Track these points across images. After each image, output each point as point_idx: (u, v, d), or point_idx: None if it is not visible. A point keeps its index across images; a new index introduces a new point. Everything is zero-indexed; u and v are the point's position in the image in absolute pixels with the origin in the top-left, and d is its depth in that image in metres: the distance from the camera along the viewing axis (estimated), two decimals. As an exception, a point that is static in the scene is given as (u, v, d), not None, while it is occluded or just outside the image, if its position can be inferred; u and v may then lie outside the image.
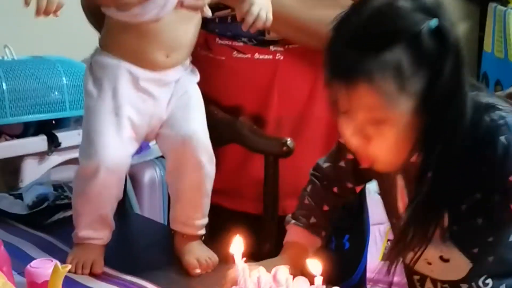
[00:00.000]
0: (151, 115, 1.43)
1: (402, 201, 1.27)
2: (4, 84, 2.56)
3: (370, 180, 1.41)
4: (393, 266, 1.23)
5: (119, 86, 1.40)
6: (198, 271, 1.43)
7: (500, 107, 1.16)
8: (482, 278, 1.25)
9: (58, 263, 0.99)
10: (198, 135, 1.41)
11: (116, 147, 1.39)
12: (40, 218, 1.68)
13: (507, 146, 1.12)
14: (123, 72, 1.40)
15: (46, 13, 1.20)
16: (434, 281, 1.29)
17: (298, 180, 1.51)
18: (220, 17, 1.58)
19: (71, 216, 1.66)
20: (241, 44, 1.58)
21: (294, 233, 1.40)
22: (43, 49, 2.78)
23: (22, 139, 2.65)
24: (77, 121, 2.75)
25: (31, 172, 2.58)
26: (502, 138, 1.12)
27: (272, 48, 1.58)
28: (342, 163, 1.40)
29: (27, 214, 1.72)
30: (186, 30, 1.43)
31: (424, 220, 1.17)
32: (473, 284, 1.25)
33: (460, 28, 1.15)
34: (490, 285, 1.25)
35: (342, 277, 1.65)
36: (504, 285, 1.25)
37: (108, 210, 1.45)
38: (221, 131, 1.56)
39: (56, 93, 2.65)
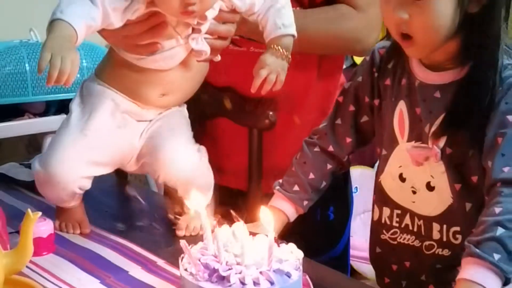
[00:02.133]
0: (122, 142, 1.44)
1: (400, 126, 1.35)
2: (27, 65, 2.70)
3: (367, 134, 1.46)
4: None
5: (98, 110, 1.41)
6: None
7: None
8: (455, 228, 1.30)
9: (30, 211, 1.10)
10: (175, 156, 1.42)
11: (72, 166, 1.40)
12: None
13: None
14: (107, 99, 1.42)
15: (57, 82, 1.17)
16: (412, 217, 1.35)
17: (285, 160, 1.57)
18: None
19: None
20: (237, 37, 1.59)
21: (277, 199, 1.47)
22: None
23: (44, 118, 2.78)
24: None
25: (52, 149, 2.70)
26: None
27: None
28: (338, 121, 1.46)
29: (32, 180, 1.83)
30: (189, 76, 1.44)
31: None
32: (444, 228, 1.31)
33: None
34: (459, 241, 1.30)
35: (326, 247, 1.73)
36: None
37: (70, 198, 1.48)
38: (208, 105, 1.64)
39: (76, 74, 2.76)
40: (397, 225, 1.38)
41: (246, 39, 1.61)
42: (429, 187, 1.31)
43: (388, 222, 1.39)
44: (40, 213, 1.11)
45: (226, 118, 1.66)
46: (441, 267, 1.33)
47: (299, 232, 1.48)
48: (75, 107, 1.44)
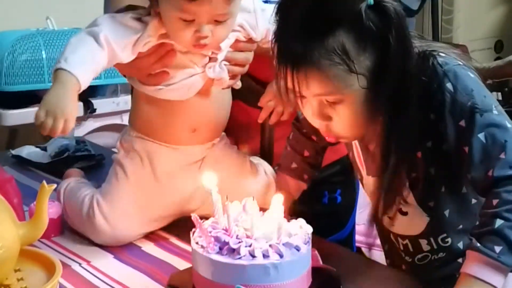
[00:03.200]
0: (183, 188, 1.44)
1: (358, 159, 1.35)
2: (44, 53, 2.73)
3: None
4: (372, 227, 1.31)
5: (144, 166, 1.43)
6: None
7: (441, 53, 1.20)
8: (442, 236, 1.29)
9: (45, 182, 1.12)
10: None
11: (137, 224, 1.42)
12: (60, 167, 1.80)
13: (453, 93, 1.16)
14: (144, 157, 1.43)
15: (52, 134, 1.18)
16: (395, 237, 1.35)
17: None
18: None
19: (88, 166, 1.83)
20: None
21: (278, 179, 1.50)
22: (83, 21, 2.92)
23: (60, 105, 2.81)
24: (113, 92, 2.90)
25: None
26: (448, 85, 1.16)
27: None
28: None
29: (48, 162, 1.87)
30: (215, 106, 1.45)
31: (388, 170, 1.22)
32: (431, 240, 1.29)
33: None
34: (450, 243, 1.29)
35: (333, 230, 1.75)
36: (461, 242, 1.28)
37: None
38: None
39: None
40: (389, 243, 1.38)
41: None
42: (402, 213, 1.29)
43: (382, 238, 1.41)
44: (55, 185, 1.14)
45: (240, 101, 1.66)
46: (439, 265, 1.32)
47: (306, 215, 1.50)
48: (123, 160, 1.44)
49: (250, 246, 1.13)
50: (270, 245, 1.13)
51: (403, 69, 1.15)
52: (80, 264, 1.32)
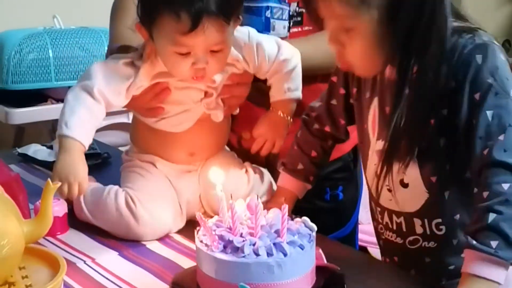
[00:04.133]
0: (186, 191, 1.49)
1: (373, 125, 1.33)
2: (50, 52, 2.74)
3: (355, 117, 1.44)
4: (381, 182, 1.28)
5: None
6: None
7: (481, 31, 1.21)
8: (437, 220, 1.28)
9: (50, 180, 1.13)
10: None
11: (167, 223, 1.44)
12: None
13: (479, 65, 1.16)
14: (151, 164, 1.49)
15: (70, 199, 1.32)
16: (390, 215, 1.34)
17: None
18: None
19: (94, 165, 1.83)
20: None
21: (283, 179, 1.50)
22: (89, 20, 2.94)
23: (66, 103, 2.82)
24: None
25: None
26: (478, 56, 1.16)
27: None
28: (334, 101, 1.45)
29: (54, 161, 1.86)
30: (212, 133, 1.50)
31: (407, 130, 1.22)
32: (426, 222, 1.29)
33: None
34: (443, 231, 1.28)
35: (335, 227, 1.75)
36: (457, 240, 1.28)
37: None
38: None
39: (99, 61, 2.80)
40: (381, 221, 1.37)
41: None
42: (403, 184, 1.28)
43: (376, 217, 1.39)
44: (59, 183, 1.14)
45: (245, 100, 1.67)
46: (429, 261, 1.32)
47: (308, 211, 1.51)
48: (137, 163, 1.50)
49: (254, 244, 1.13)
50: (274, 244, 1.13)
51: (419, 12, 1.15)
52: (85, 261, 1.33)
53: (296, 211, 1.48)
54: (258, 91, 1.57)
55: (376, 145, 1.32)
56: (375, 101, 1.32)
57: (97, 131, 2.88)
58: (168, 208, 1.44)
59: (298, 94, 1.49)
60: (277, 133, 1.50)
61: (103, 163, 1.89)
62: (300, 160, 1.49)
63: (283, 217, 1.15)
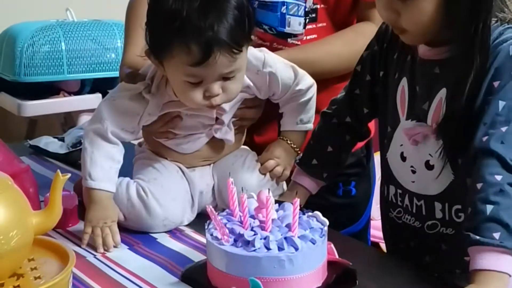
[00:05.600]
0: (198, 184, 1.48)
1: (402, 104, 1.32)
2: (63, 44, 2.74)
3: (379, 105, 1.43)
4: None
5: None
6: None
7: None
8: (457, 206, 1.26)
9: (59, 171, 1.12)
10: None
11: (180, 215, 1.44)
12: (77, 157, 1.75)
13: (510, 57, 1.16)
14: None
15: (106, 246, 1.33)
16: (411, 197, 1.32)
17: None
18: None
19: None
20: (261, 31, 1.61)
21: (297, 175, 1.49)
22: (102, 13, 2.94)
23: (79, 96, 2.83)
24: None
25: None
26: (511, 48, 1.17)
27: (289, 40, 1.62)
28: (357, 91, 1.43)
29: (65, 153, 1.86)
30: (224, 146, 1.49)
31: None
32: (446, 206, 1.27)
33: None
34: (462, 219, 1.25)
35: (347, 222, 1.74)
36: None
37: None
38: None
39: (111, 54, 2.81)
40: (401, 204, 1.35)
41: (271, 35, 1.63)
42: (428, 166, 1.27)
43: (394, 201, 1.37)
44: (69, 175, 1.13)
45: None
46: (446, 249, 1.30)
47: (321, 207, 1.49)
48: (149, 155, 1.51)
49: (265, 238, 1.12)
50: (285, 238, 1.12)
51: None
52: (94, 255, 1.32)
53: (309, 206, 1.47)
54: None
55: (405, 124, 1.31)
56: (404, 81, 1.32)
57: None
58: (180, 201, 1.43)
59: (310, 126, 1.50)
60: (286, 161, 1.49)
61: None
62: (315, 155, 1.47)
63: (294, 211, 1.13)
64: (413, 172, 1.30)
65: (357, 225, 1.78)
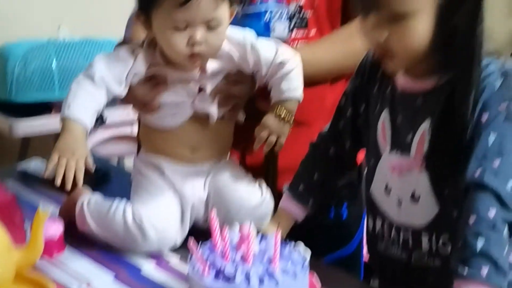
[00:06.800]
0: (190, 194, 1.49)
1: (383, 136, 1.33)
2: (54, 63, 2.75)
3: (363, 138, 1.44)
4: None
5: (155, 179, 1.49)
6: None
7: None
8: (444, 237, 1.27)
9: (40, 208, 1.12)
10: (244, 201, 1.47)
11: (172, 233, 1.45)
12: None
13: (497, 91, 1.17)
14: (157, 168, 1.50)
15: (67, 173, 1.31)
16: (398, 229, 1.32)
17: (299, 158, 1.61)
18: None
19: (91, 180, 1.80)
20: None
21: (284, 200, 1.49)
22: (94, 30, 2.94)
23: (70, 115, 2.81)
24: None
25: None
26: (497, 82, 1.17)
27: None
28: (341, 124, 1.45)
29: (53, 178, 1.85)
30: (212, 133, 1.50)
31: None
32: (433, 237, 1.27)
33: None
34: (449, 250, 1.25)
35: (339, 245, 1.74)
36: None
37: None
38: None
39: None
40: (387, 236, 1.35)
41: None
42: (414, 198, 1.28)
43: (380, 233, 1.37)
44: (50, 211, 1.13)
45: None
46: (432, 281, 1.30)
47: (313, 230, 1.50)
48: (144, 172, 1.51)
49: (246, 272, 1.11)
50: (266, 271, 1.12)
51: (461, 11, 1.16)
52: (79, 286, 1.31)
53: (300, 228, 1.48)
54: (259, 112, 1.56)
55: (389, 156, 1.31)
56: (385, 113, 1.32)
57: (101, 142, 2.92)
58: (173, 222, 1.45)
59: (298, 93, 1.49)
60: (280, 129, 1.47)
61: (100, 179, 1.87)
62: (302, 181, 1.48)
63: (276, 244, 1.13)
64: (399, 204, 1.30)
65: (349, 247, 1.78)
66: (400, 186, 1.29)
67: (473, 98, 1.18)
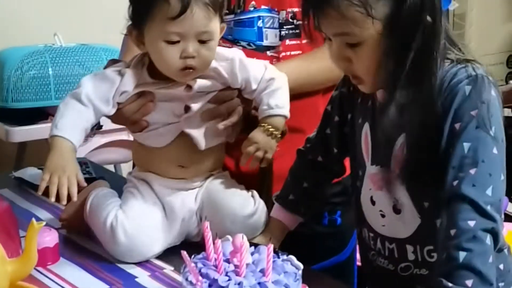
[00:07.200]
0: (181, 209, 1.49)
1: (366, 150, 1.34)
2: (50, 69, 2.75)
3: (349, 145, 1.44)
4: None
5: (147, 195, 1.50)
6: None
7: (477, 64, 1.21)
8: (428, 247, 1.27)
9: (34, 220, 1.13)
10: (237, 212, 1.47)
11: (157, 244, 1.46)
12: None
13: (467, 96, 1.16)
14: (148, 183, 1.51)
15: (60, 191, 1.32)
16: (383, 241, 1.33)
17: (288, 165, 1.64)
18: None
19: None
20: (240, 48, 1.64)
21: (275, 210, 1.50)
22: (90, 37, 2.94)
23: (66, 121, 2.81)
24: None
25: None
26: (467, 87, 1.17)
27: (268, 53, 1.65)
28: (328, 130, 1.46)
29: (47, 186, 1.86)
30: (200, 150, 1.49)
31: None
32: (418, 249, 1.28)
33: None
34: (434, 259, 1.25)
35: (333, 251, 1.74)
36: None
37: None
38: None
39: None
40: (373, 247, 1.36)
41: (250, 50, 1.64)
42: (396, 210, 1.28)
43: (368, 243, 1.38)
44: (44, 223, 1.14)
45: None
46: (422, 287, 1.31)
47: (307, 237, 1.51)
48: (136, 184, 1.52)
49: (239, 284, 1.12)
50: (259, 283, 1.12)
51: (418, 25, 1.16)
52: (73, 297, 1.32)
53: (294, 236, 1.48)
54: (251, 119, 1.56)
55: (370, 169, 1.32)
56: (366, 126, 1.33)
57: (97, 148, 2.92)
58: (149, 231, 1.45)
59: (285, 111, 1.49)
60: (267, 144, 1.47)
61: (98, 187, 1.88)
62: (292, 190, 1.49)
63: (268, 256, 1.14)
64: (382, 216, 1.31)
65: (343, 254, 1.78)
66: (382, 199, 1.30)
67: (443, 107, 1.18)
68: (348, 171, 1.54)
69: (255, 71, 1.48)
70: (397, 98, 1.20)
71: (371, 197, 1.32)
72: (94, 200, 1.52)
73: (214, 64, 1.44)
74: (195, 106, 1.45)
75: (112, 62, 1.51)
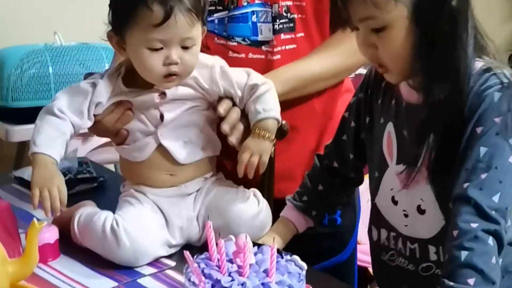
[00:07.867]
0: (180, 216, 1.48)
1: (389, 149, 1.33)
2: (50, 68, 2.74)
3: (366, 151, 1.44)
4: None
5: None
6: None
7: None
8: None
9: (35, 220, 1.12)
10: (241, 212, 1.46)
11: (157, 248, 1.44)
12: None
13: (494, 103, 1.17)
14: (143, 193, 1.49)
15: (53, 203, 1.34)
16: (404, 241, 1.33)
17: (296, 165, 1.65)
18: (218, 18, 1.65)
19: (90, 188, 1.84)
20: (235, 44, 1.64)
21: (287, 210, 1.50)
22: (90, 36, 2.93)
23: (66, 120, 2.80)
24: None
25: (75, 152, 2.74)
26: (496, 94, 1.17)
27: (264, 48, 1.64)
28: (344, 137, 1.46)
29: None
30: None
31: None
32: (440, 249, 1.27)
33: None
34: None
35: (334, 251, 1.74)
36: None
37: None
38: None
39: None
40: (394, 247, 1.35)
41: (245, 45, 1.64)
42: (420, 211, 1.28)
43: (386, 244, 1.37)
44: (45, 223, 1.13)
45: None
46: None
47: (307, 237, 1.50)
48: (131, 192, 1.51)
49: (242, 284, 1.11)
50: (262, 284, 1.12)
51: (443, 9, 1.16)
52: (73, 296, 1.31)
53: (294, 236, 1.48)
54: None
55: (396, 168, 1.32)
56: (389, 126, 1.33)
57: (97, 148, 2.90)
58: (151, 234, 1.43)
59: (274, 114, 1.47)
60: (260, 147, 1.45)
61: (99, 187, 1.87)
62: (306, 192, 1.49)
63: (272, 256, 1.13)
64: (406, 216, 1.31)
65: (344, 254, 1.78)
66: (406, 199, 1.30)
67: (470, 110, 1.18)
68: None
69: (237, 78, 1.46)
70: (428, 93, 1.20)
71: (393, 197, 1.32)
72: (82, 218, 1.48)
73: (193, 72, 1.43)
74: (169, 115, 1.44)
75: (88, 75, 1.52)
